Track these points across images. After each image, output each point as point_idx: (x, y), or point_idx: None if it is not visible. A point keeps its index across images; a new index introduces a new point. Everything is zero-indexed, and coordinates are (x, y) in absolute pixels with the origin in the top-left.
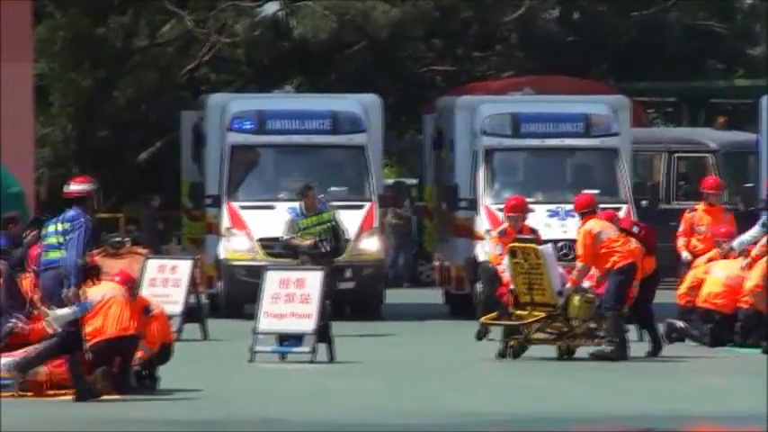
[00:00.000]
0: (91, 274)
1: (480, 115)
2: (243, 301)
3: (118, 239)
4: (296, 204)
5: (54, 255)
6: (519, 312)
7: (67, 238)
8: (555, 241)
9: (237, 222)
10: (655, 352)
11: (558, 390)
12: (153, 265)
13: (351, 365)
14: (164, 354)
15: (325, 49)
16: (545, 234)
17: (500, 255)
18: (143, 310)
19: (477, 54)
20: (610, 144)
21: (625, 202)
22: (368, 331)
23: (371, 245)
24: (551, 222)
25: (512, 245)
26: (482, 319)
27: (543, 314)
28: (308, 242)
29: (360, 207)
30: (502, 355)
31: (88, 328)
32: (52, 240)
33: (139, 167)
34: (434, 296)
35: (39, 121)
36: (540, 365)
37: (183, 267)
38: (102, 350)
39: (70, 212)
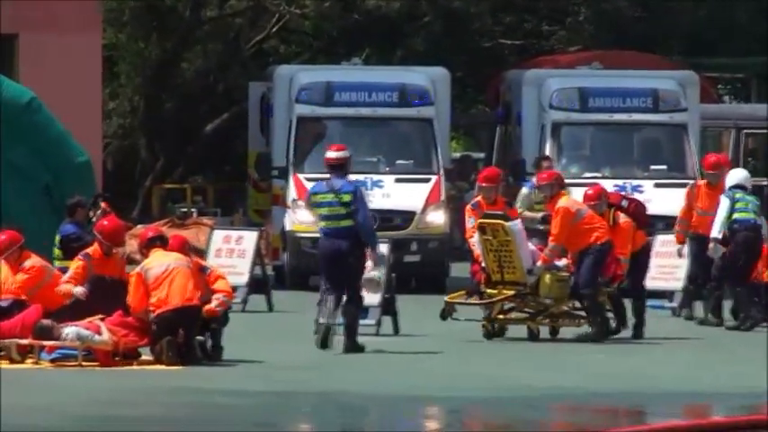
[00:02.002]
0: (157, 243)
1: (548, 89)
2: (308, 273)
3: (184, 210)
4: (364, 176)
5: (345, 223)
6: (490, 291)
7: (353, 207)
8: None
9: (304, 194)
10: (636, 331)
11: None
12: (219, 235)
13: (415, 338)
14: (223, 316)
15: (395, 22)
16: None
17: (472, 228)
18: (199, 271)
19: (545, 28)
20: (678, 120)
21: (693, 178)
22: (433, 304)
23: (437, 218)
24: None
25: (480, 221)
26: (446, 297)
27: (511, 293)
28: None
29: (426, 180)
30: (486, 336)
31: (152, 299)
32: (340, 211)
33: (206, 139)
34: None
35: (106, 93)
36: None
37: (249, 239)
38: (166, 321)
39: (339, 181)
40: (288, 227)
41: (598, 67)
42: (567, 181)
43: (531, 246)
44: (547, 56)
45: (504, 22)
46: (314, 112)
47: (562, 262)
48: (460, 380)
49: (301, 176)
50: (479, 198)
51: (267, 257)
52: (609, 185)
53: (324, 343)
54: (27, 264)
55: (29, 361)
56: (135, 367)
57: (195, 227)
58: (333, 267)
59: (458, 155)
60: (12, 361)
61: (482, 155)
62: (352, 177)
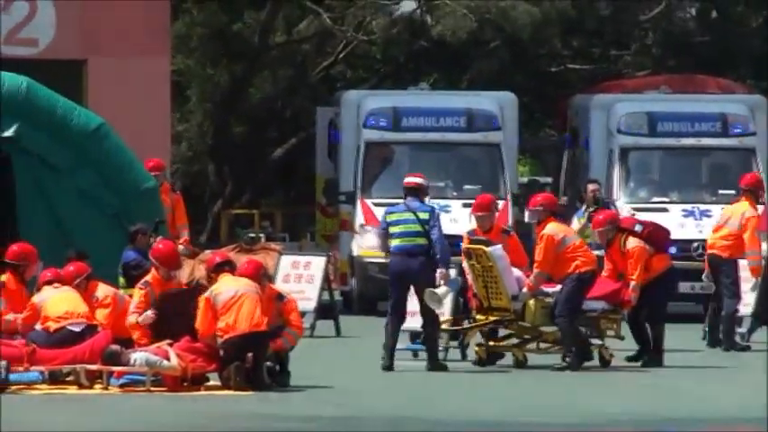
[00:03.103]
0: (225, 268)
1: (616, 114)
2: (376, 299)
3: (252, 235)
4: (451, 202)
5: (420, 240)
6: (479, 317)
7: (429, 225)
8: (690, 241)
9: (371, 219)
10: (639, 358)
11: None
12: (287, 261)
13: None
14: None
15: (462, 47)
16: (679, 234)
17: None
18: (276, 298)
19: (613, 53)
20: (747, 144)
21: (762, 203)
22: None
23: None
24: (686, 222)
25: (465, 246)
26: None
27: (494, 318)
28: None
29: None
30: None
31: (220, 324)
32: (416, 228)
33: (274, 164)
34: None
35: (175, 117)
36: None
37: (317, 264)
38: (234, 346)
39: (417, 203)
40: (355, 252)
41: (666, 92)
42: (635, 206)
43: (518, 272)
44: (614, 80)
45: (572, 46)
46: (382, 138)
47: (552, 288)
48: (529, 405)
49: (369, 202)
50: (474, 226)
51: (335, 283)
52: (677, 211)
53: (386, 366)
54: (100, 294)
55: (98, 386)
56: (203, 392)
57: (263, 252)
58: (403, 285)
59: (525, 179)
60: (81, 386)
61: (549, 179)
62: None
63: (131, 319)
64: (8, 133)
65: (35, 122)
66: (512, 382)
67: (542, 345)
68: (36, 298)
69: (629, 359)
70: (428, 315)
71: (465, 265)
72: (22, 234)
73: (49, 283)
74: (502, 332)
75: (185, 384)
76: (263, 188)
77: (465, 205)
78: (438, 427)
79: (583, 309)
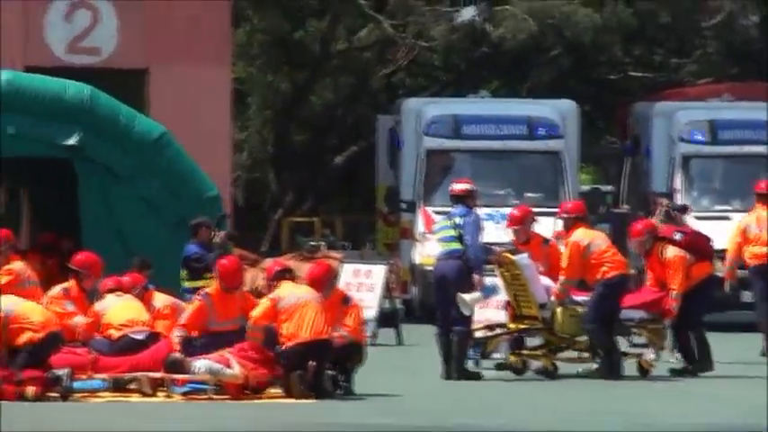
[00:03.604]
0: (285, 276)
1: (678, 122)
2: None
3: (313, 243)
4: (490, 210)
5: (454, 245)
6: (511, 325)
7: (464, 230)
8: None
9: (432, 227)
10: (685, 370)
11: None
12: (348, 269)
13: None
14: (356, 352)
15: (523, 54)
16: None
17: None
18: (342, 300)
19: (674, 60)
20: None
21: None
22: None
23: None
24: None
25: (495, 255)
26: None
27: (523, 327)
28: None
29: (555, 213)
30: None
31: (282, 331)
32: (450, 233)
33: (335, 172)
34: None
35: (236, 125)
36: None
37: (378, 272)
38: (296, 354)
39: (459, 209)
40: (416, 260)
41: (729, 99)
42: (698, 215)
43: (547, 280)
44: (676, 88)
45: (633, 54)
46: (442, 146)
47: (583, 297)
48: (584, 414)
49: (429, 209)
50: (513, 239)
51: (396, 291)
52: (738, 218)
53: (446, 374)
54: (158, 304)
55: (160, 394)
56: (265, 400)
57: (324, 260)
58: (440, 290)
59: (586, 188)
60: (143, 394)
61: (610, 187)
62: (482, 210)
63: (174, 335)
64: (71, 141)
65: (98, 131)
66: (562, 391)
67: (574, 353)
68: (98, 306)
69: (673, 372)
70: (459, 320)
71: (497, 273)
72: (85, 241)
73: (111, 291)
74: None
75: (247, 392)
76: (324, 196)
77: None
78: None
79: (620, 317)
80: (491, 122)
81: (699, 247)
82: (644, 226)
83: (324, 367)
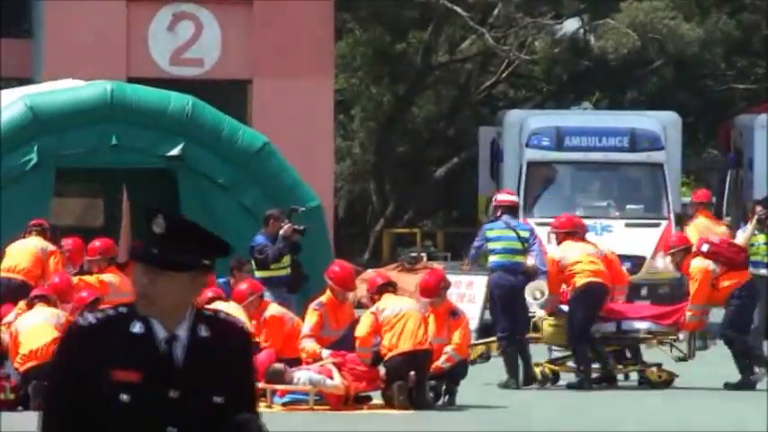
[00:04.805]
0: (387, 289)
1: None
2: None
3: (413, 255)
4: (591, 222)
5: (519, 258)
6: (533, 335)
7: (529, 243)
8: None
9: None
10: (740, 384)
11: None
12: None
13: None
14: (463, 370)
15: (625, 66)
16: None
17: None
18: (450, 313)
19: None
20: None
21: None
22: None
23: (667, 264)
24: None
25: None
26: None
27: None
28: None
29: (656, 225)
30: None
31: (384, 342)
32: (517, 246)
33: (436, 183)
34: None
35: (339, 136)
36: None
37: (479, 284)
38: (397, 365)
39: (513, 221)
40: None
41: None
42: None
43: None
44: None
45: (736, 66)
46: (544, 158)
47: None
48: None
49: (531, 221)
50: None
51: None
52: None
53: (524, 381)
54: (267, 315)
55: (261, 404)
56: (365, 411)
57: (425, 271)
58: (504, 301)
59: (687, 200)
60: None
61: (713, 200)
62: (583, 222)
63: (309, 346)
64: (174, 152)
65: (200, 141)
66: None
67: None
68: None
69: (727, 386)
70: (524, 328)
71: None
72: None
73: (211, 301)
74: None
75: (348, 403)
76: (425, 207)
77: (627, 225)
78: None
79: (623, 329)
80: (593, 134)
81: (726, 256)
82: (676, 240)
83: (425, 378)
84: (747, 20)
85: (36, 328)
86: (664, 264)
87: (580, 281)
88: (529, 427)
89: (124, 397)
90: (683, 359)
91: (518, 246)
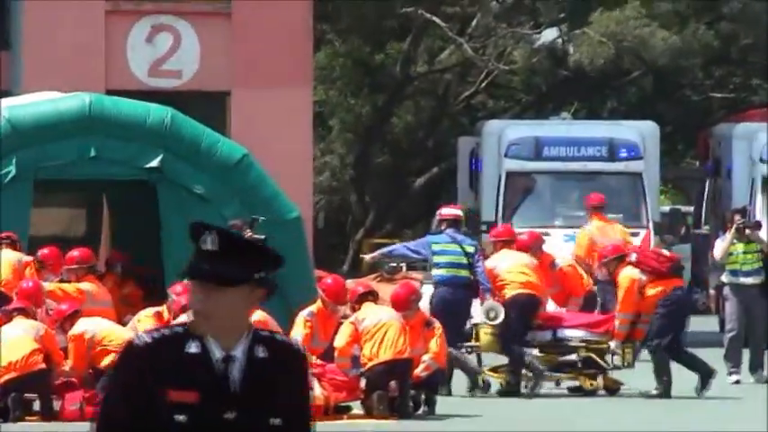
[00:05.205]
0: (368, 298)
1: (760, 143)
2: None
3: (393, 265)
4: (570, 231)
5: (464, 273)
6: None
7: (474, 259)
8: None
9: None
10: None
11: None
12: (427, 291)
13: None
14: (441, 378)
15: (603, 77)
16: None
17: None
18: (424, 323)
19: (756, 82)
20: None
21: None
22: (641, 358)
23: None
24: None
25: None
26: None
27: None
28: None
29: (635, 234)
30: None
31: (364, 352)
32: (462, 260)
33: (416, 193)
34: (709, 323)
35: (317, 148)
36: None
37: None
38: (378, 374)
39: (458, 235)
40: None
41: None
42: None
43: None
44: (757, 109)
45: (714, 75)
46: (523, 167)
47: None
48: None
49: None
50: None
51: None
52: None
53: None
54: (252, 320)
55: None
56: (346, 421)
57: (404, 281)
58: (447, 314)
59: (667, 208)
60: None
61: (691, 209)
62: (563, 231)
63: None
64: (153, 164)
65: (180, 153)
66: (654, 411)
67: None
68: None
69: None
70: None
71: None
72: (166, 262)
73: (185, 309)
74: None
75: (328, 413)
76: (406, 217)
77: None
78: None
79: (559, 337)
80: (572, 144)
81: (651, 266)
82: (611, 249)
83: (407, 387)
84: (725, 29)
85: (15, 340)
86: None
87: (509, 292)
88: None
89: (180, 418)
90: (618, 368)
91: (463, 260)
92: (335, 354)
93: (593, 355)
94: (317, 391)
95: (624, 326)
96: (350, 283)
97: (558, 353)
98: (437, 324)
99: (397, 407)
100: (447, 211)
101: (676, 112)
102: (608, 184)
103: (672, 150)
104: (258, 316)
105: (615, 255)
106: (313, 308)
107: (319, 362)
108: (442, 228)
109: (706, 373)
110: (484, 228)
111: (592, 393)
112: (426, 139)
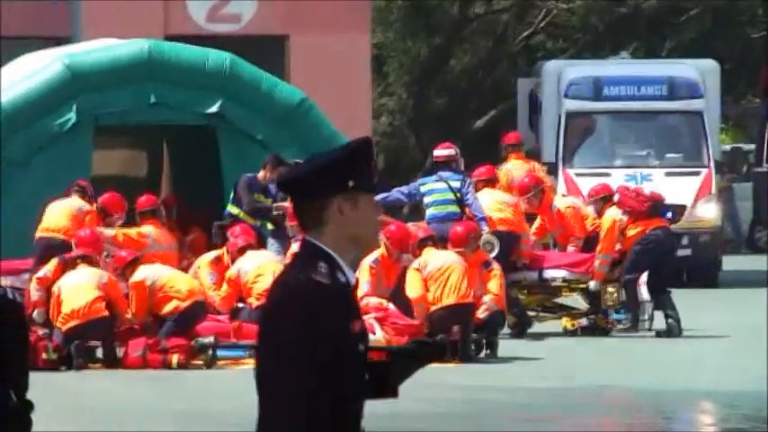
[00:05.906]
0: (428, 243)
1: None
2: None
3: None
4: (630, 171)
5: (452, 208)
6: None
7: (462, 192)
8: None
9: (573, 189)
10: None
11: None
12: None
13: (688, 334)
14: (501, 320)
15: (662, 15)
16: None
17: None
18: (482, 264)
19: None
20: None
21: None
22: (704, 299)
23: (708, 211)
24: None
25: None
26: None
27: None
28: None
29: (696, 173)
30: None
31: (429, 296)
32: (449, 195)
33: (475, 135)
34: None
35: (375, 91)
36: None
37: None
38: (440, 318)
39: (449, 173)
40: None
41: None
42: None
43: None
44: None
45: None
46: (583, 107)
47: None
48: (731, 375)
49: (570, 172)
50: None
51: None
52: None
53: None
54: None
55: None
56: None
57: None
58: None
59: (728, 147)
60: None
61: (752, 146)
62: (623, 171)
63: (372, 301)
64: (213, 109)
65: (239, 98)
66: (722, 352)
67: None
68: (233, 271)
69: (658, 333)
70: None
71: None
72: (228, 208)
73: (242, 251)
74: None
75: None
76: (465, 159)
77: (668, 174)
78: (641, 396)
79: (545, 278)
80: (631, 83)
81: (630, 205)
82: (599, 189)
83: (470, 331)
84: None
85: (79, 287)
86: (704, 212)
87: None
88: (559, 380)
89: (361, 347)
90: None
91: (449, 196)
92: (413, 303)
93: (578, 295)
94: (379, 334)
95: (604, 266)
96: (410, 226)
97: (543, 293)
98: (495, 265)
99: (460, 350)
100: (439, 152)
101: (736, 50)
102: (668, 124)
103: (732, 88)
104: None
105: (601, 195)
106: (377, 254)
107: (384, 304)
108: (437, 170)
109: (676, 320)
110: (545, 168)
111: (573, 333)
112: (485, 80)
